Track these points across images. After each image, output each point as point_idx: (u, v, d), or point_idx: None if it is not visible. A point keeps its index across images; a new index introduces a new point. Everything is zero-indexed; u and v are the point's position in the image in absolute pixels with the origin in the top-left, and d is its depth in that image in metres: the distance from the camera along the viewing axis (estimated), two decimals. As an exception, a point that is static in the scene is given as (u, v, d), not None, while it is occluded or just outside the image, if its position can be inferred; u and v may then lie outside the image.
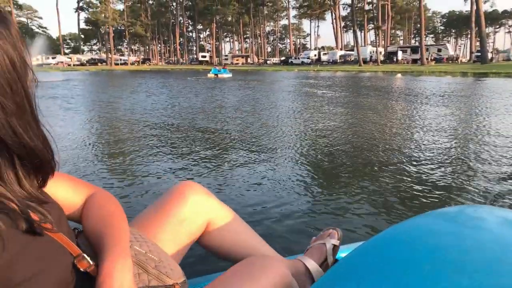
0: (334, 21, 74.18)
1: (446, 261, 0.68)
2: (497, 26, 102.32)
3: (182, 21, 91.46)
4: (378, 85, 19.99)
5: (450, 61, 50.28)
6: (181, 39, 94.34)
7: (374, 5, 60.16)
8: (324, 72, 40.02)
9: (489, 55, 44.00)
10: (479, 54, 42.57)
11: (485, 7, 45.53)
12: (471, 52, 50.58)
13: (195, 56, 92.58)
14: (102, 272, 0.74)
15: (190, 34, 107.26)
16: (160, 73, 44.43)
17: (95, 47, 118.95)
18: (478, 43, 46.87)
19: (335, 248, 1.47)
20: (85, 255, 0.77)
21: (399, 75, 30.74)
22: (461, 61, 51.83)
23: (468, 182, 3.95)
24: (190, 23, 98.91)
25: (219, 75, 31.94)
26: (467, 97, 13.27)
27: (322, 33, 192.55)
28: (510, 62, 39.74)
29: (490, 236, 0.78)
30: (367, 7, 67.84)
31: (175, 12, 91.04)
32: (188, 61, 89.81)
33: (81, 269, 0.75)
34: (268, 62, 77.40)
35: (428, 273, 0.67)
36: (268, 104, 11.77)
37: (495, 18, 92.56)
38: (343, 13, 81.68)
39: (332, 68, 47.65)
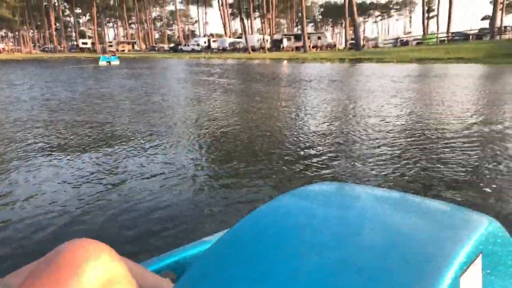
0: (221, 8, 74.70)
1: (298, 242, 0.75)
2: (366, 16, 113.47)
3: (57, 4, 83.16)
4: (267, 72, 21.04)
5: (329, 48, 54.61)
6: (58, 24, 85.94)
7: (259, -7, 62.27)
8: (215, 60, 40.39)
9: (361, 43, 48.82)
10: (353, 41, 47.04)
11: (356, -1, 50.42)
12: (346, 40, 55.55)
13: (75, 43, 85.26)
14: None
15: (68, 18, 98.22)
16: (36, 62, 40.19)
17: None
18: (351, 32, 51.74)
19: None
20: None
21: (285, 62, 32.57)
22: (338, 48, 56.56)
23: (338, 160, 4.65)
24: (67, 7, 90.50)
25: (112, 62, 32.55)
26: (344, 82, 14.81)
27: (210, 20, 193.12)
28: (378, 49, 44.75)
29: (336, 213, 0.89)
30: (252, -5, 69.87)
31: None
32: (67, 49, 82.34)
33: None
34: (156, 49, 74.90)
35: (280, 257, 0.72)
36: (161, 94, 11.69)
37: (365, 9, 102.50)
38: (230, 0, 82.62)
39: (223, 56, 48.27)
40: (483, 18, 50.62)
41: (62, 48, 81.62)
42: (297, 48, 53.20)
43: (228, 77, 18.20)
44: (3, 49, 76.74)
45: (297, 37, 56.89)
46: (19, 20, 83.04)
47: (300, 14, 64.76)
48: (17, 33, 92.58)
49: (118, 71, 22.78)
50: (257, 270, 0.69)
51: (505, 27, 38.64)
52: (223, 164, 4.44)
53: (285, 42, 57.54)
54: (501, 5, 40.03)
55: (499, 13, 39.48)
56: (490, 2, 40.01)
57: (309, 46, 50.21)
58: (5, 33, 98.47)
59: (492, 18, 39.25)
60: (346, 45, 54.50)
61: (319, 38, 57.72)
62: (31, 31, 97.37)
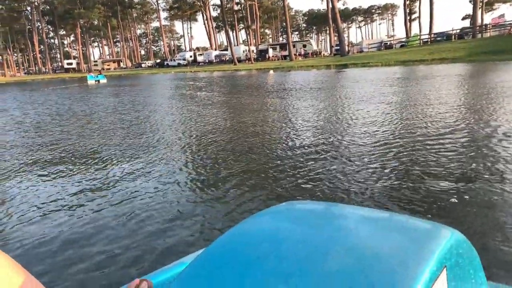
0: (206, 22, 74.86)
1: (265, 270, 0.76)
2: (350, 22, 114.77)
3: (40, 26, 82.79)
4: (254, 83, 20.88)
5: (315, 55, 54.87)
6: (42, 47, 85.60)
7: (243, 5, 62.43)
8: (201, 73, 40.25)
9: (346, 48, 49.15)
10: (338, 48, 47.25)
11: (338, 5, 50.66)
12: (331, 46, 55.87)
13: (60, 64, 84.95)
14: None
15: (52, 40, 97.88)
16: (17, 85, 39.73)
17: None
18: (336, 38, 52.07)
19: None
20: None
21: (271, 71, 32.48)
22: (323, 55, 56.85)
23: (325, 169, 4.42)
24: (51, 29, 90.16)
25: (100, 81, 33.39)
26: (331, 88, 14.68)
27: (196, 34, 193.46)
28: (363, 54, 44.98)
29: (304, 235, 0.87)
30: (236, 8, 70.02)
31: (30, 18, 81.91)
32: (52, 70, 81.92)
33: None
34: (142, 65, 74.81)
35: (249, 285, 0.73)
36: (146, 112, 11.45)
37: (348, 15, 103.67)
38: (214, 13, 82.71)
39: (209, 68, 48.17)
40: (464, 18, 51.35)
41: (46, 70, 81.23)
42: (283, 57, 53.38)
43: (211, 90, 18.00)
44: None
45: (283, 46, 57.15)
46: (2, 44, 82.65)
47: (284, 23, 65.23)
48: (0, 57, 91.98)
49: (110, 89, 22.59)
50: None
51: (486, 25, 39.09)
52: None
53: (271, 52, 57.72)
54: (481, 4, 40.60)
55: (479, 11, 40.03)
56: (470, 1, 40.55)
57: (295, 55, 50.40)
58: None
59: (473, 17, 39.78)
60: (331, 51, 54.74)
61: (304, 46, 58.05)
62: (15, 54, 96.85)
